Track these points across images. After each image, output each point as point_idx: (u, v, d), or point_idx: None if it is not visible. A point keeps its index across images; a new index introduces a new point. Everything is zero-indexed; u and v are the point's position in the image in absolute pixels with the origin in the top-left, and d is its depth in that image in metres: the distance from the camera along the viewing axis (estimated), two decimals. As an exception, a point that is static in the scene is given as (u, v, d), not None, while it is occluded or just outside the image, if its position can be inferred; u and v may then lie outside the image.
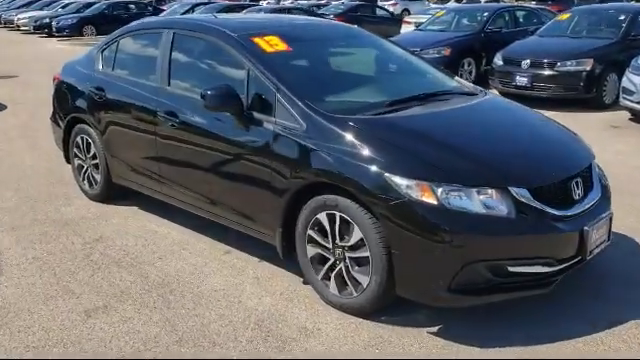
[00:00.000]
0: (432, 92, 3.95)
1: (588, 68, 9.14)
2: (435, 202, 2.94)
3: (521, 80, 9.52)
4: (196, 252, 4.24)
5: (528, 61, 9.58)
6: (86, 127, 5.13)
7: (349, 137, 3.25)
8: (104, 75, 4.99)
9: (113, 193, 5.20)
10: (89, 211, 5.07)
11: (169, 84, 4.32)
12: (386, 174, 3.02)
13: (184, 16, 5.20)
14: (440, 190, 2.95)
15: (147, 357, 3.08)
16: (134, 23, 5.19)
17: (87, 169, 5.28)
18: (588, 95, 9.21)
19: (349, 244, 3.25)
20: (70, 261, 4.12)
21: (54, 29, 25.18)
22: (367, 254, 3.16)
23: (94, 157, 5.14)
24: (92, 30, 25.01)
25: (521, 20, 13.19)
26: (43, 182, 5.88)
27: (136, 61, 4.86)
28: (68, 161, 5.56)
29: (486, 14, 12.54)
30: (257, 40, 3.98)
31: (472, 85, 4.45)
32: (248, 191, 3.77)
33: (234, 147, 3.77)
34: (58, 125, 5.55)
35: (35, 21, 27.21)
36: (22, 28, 28.57)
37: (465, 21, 13.04)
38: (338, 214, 3.26)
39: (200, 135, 4.00)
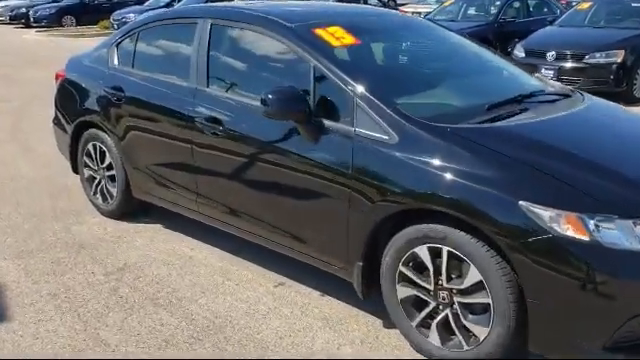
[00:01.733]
0: (527, 93, 3.33)
1: (619, 60, 8.62)
2: (587, 238, 2.32)
3: (547, 73, 8.92)
4: (243, 284, 3.57)
5: (553, 53, 9.02)
6: (99, 133, 4.41)
7: (462, 152, 2.61)
8: (122, 73, 4.26)
9: (131, 209, 4.51)
10: (106, 231, 4.36)
11: (208, 85, 3.63)
12: (521, 202, 2.39)
13: (222, 3, 4.41)
14: (592, 223, 2.33)
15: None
16: (156, 12, 4.46)
17: (100, 181, 4.56)
18: (618, 89, 8.68)
19: (460, 287, 2.62)
20: (94, 298, 3.43)
21: (32, 19, 24.11)
22: (487, 300, 2.54)
23: (109, 167, 4.43)
24: (72, 20, 23.96)
25: (532, 9, 12.66)
26: (45, 194, 5.15)
27: (163, 57, 4.13)
28: (76, 171, 4.84)
29: (498, 3, 12.01)
30: (319, 32, 3.31)
31: (558, 83, 3.84)
32: (315, 215, 3.12)
33: (297, 161, 3.10)
34: (63, 130, 4.81)
35: (11, 10, 26.06)
36: (-3, 18, 27.37)
37: (476, 11, 12.50)
38: (446, 249, 2.62)
39: (252, 146, 3.33)
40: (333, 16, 3.67)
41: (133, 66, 4.22)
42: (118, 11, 20.99)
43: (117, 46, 4.40)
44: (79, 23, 23.63)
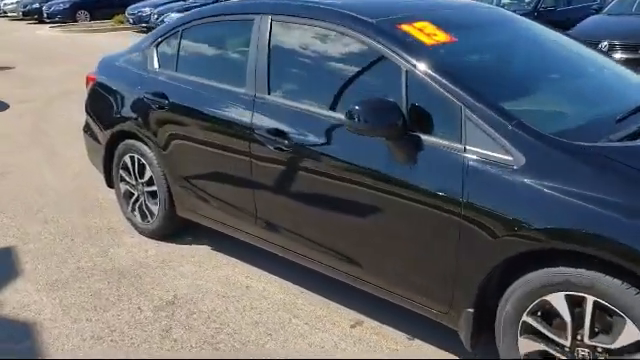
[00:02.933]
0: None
1: (680, 51, 8.05)
2: None
3: (599, 66, 8.36)
4: (313, 322, 3.08)
5: (606, 43, 8.44)
6: (138, 144, 3.93)
7: (614, 180, 2.10)
8: (163, 77, 3.77)
9: (174, 229, 4.03)
10: (147, 254, 3.89)
11: (269, 92, 3.13)
12: None
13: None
14: None
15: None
16: (203, 8, 3.93)
17: (139, 197, 4.08)
18: (678, 82, 8.10)
19: (611, 346, 2.12)
20: (145, 342, 2.95)
21: (45, 15, 23.67)
22: (649, 364, 2.04)
23: (150, 183, 3.95)
24: (86, 15, 23.49)
25: (570, -3, 12.06)
26: (75, 208, 4.69)
27: (213, 59, 3.63)
28: (110, 185, 4.36)
29: (536, -9, 11.41)
30: (407, 28, 2.80)
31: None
32: (409, 248, 2.62)
33: (386, 183, 2.59)
34: (96, 140, 4.33)
35: (24, 6, 25.65)
36: (10, 14, 26.98)
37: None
38: (591, 299, 2.11)
39: (327, 164, 2.82)
40: (415, 9, 3.13)
41: (177, 69, 3.73)
42: (133, 5, 20.49)
43: (157, 47, 3.91)
44: (93, 18, 23.16)
